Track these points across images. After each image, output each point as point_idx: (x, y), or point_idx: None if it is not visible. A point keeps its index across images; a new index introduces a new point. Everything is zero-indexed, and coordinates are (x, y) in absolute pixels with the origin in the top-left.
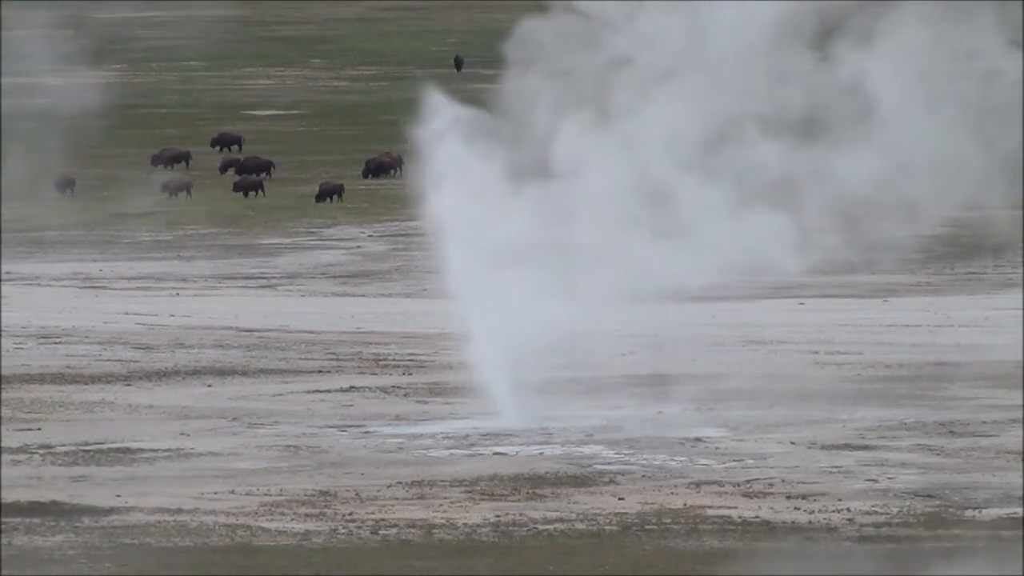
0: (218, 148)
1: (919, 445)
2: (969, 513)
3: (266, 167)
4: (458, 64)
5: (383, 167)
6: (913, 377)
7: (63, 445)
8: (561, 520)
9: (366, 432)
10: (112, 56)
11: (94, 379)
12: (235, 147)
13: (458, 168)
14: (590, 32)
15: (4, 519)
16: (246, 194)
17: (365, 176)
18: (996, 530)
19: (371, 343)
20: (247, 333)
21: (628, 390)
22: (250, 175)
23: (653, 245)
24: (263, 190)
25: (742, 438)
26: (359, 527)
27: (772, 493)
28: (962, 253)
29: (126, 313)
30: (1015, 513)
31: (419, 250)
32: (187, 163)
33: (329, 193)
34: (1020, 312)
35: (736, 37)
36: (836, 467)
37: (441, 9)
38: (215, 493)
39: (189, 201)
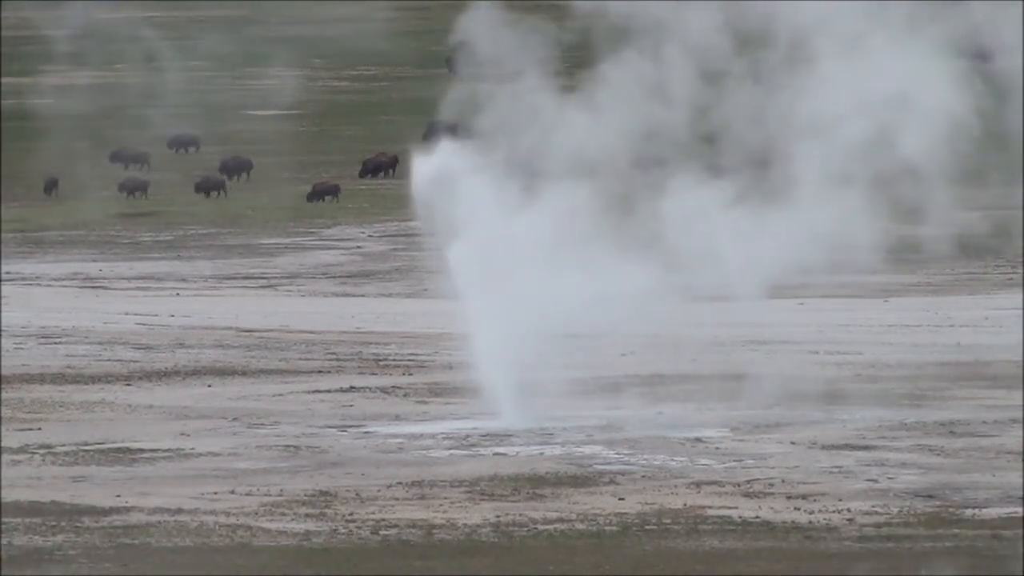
0: (174, 149)
1: (919, 445)
2: (969, 513)
3: (246, 167)
4: (450, 65)
5: (381, 166)
6: (913, 377)
7: (63, 445)
8: (561, 520)
9: (366, 432)
10: (112, 56)
11: (94, 379)
12: (192, 148)
13: (468, 171)
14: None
15: (4, 519)
16: (207, 194)
17: (363, 176)
18: (996, 530)
19: (371, 343)
20: (247, 333)
21: (628, 390)
22: (231, 175)
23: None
24: (225, 190)
25: (742, 438)
26: (359, 527)
27: (772, 493)
28: (962, 253)
29: (126, 313)
30: (1015, 513)
31: (419, 250)
32: (147, 163)
33: (322, 193)
34: (1020, 312)
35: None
36: (836, 467)
37: (441, 9)
38: (215, 493)
39: (189, 202)
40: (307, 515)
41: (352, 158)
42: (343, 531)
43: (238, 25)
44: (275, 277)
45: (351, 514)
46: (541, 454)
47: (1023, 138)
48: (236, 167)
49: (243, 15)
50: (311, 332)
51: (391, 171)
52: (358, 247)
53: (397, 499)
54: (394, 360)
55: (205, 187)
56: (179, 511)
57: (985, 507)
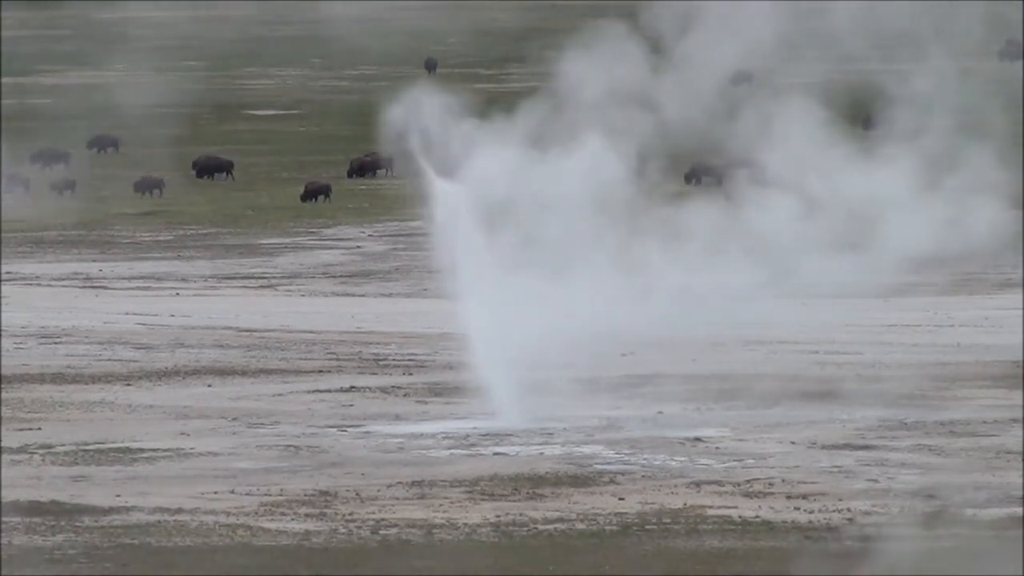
0: (95, 149)
1: (919, 445)
2: (969, 513)
3: (227, 167)
4: (430, 66)
5: (367, 167)
6: (913, 377)
7: (63, 445)
8: (561, 520)
9: (366, 432)
10: (112, 56)
11: (94, 379)
12: (111, 148)
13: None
14: None
15: (4, 519)
16: (146, 193)
17: (351, 176)
18: (996, 530)
19: (371, 343)
20: (247, 333)
21: (628, 390)
22: (211, 174)
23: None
24: (162, 190)
25: (742, 438)
26: (359, 527)
27: (772, 493)
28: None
29: (126, 313)
30: (1015, 513)
31: (419, 250)
32: (67, 163)
33: (315, 193)
34: (1020, 312)
35: None
36: (836, 467)
37: (441, 9)
38: (215, 493)
39: (185, 202)
40: (307, 515)
41: (352, 158)
42: (343, 531)
43: (238, 25)
44: (275, 277)
45: (351, 514)
46: (541, 454)
47: (1023, 134)
48: (214, 167)
49: (243, 15)
50: (311, 332)
51: (388, 171)
52: (358, 247)
53: (397, 499)
54: (394, 360)
55: (144, 187)
56: (179, 511)
57: (985, 507)
